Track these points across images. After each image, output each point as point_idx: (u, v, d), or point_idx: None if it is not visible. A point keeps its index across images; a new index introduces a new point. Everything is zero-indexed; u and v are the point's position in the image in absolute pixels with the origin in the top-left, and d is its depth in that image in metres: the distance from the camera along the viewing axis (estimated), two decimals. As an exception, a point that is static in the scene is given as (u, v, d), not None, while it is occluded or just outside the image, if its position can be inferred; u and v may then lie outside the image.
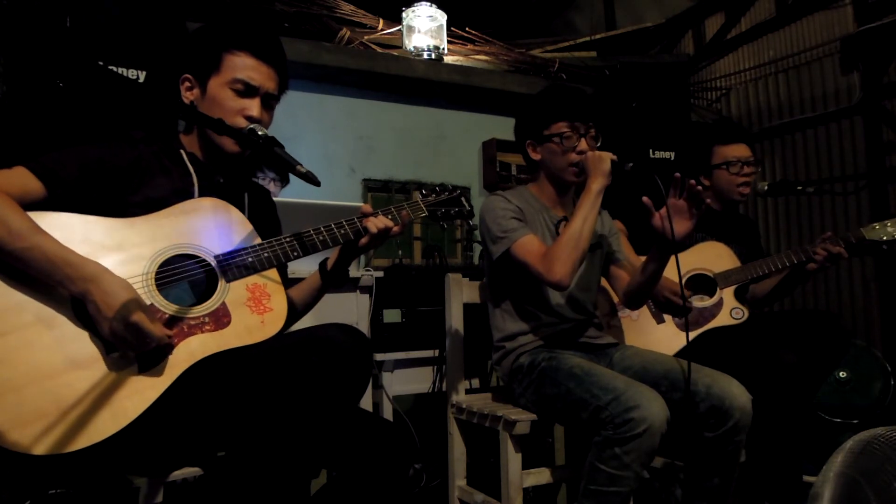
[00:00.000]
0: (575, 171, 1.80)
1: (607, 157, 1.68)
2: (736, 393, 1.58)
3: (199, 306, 1.18)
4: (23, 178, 1.14)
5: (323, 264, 1.44)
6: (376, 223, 1.32)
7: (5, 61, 1.94)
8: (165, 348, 1.11)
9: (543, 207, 1.89)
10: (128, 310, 1.06)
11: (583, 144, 1.78)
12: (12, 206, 1.09)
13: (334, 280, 1.44)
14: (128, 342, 1.07)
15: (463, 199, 1.51)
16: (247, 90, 1.32)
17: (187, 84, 1.35)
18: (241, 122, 1.30)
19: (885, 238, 2.03)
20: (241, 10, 3.07)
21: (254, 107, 1.32)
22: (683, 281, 2.12)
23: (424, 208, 1.44)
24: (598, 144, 1.81)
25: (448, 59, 3.62)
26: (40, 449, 0.99)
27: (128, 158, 1.26)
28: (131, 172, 1.25)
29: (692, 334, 2.04)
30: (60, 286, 1.09)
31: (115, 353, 1.09)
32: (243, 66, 1.32)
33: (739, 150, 2.27)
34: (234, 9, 3.02)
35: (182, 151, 1.35)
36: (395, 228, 1.35)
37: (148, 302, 1.14)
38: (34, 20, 1.95)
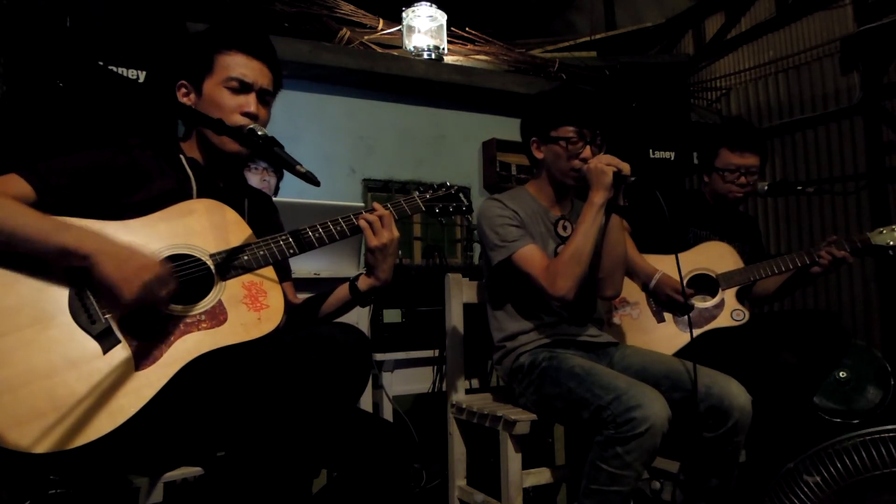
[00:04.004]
0: (575, 176, 1.79)
1: (609, 171, 1.65)
2: (735, 392, 1.58)
3: (195, 305, 1.18)
4: (14, 184, 1.15)
5: (354, 284, 1.43)
6: (367, 216, 1.33)
7: (5, 61, 1.95)
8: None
9: (541, 208, 1.89)
10: (141, 252, 1.11)
11: (587, 152, 1.77)
12: (5, 196, 1.11)
13: (366, 301, 1.46)
14: (157, 281, 1.10)
15: (461, 195, 1.51)
16: (241, 87, 1.32)
17: (183, 90, 1.36)
18: (240, 120, 1.30)
19: (891, 243, 2.02)
20: (241, 10, 3.07)
21: (250, 103, 1.32)
22: (686, 280, 2.12)
23: (421, 204, 1.45)
24: (602, 152, 1.80)
25: (448, 59, 3.63)
26: (37, 447, 0.99)
27: (121, 164, 1.26)
28: (125, 177, 1.26)
29: (692, 334, 2.04)
30: (62, 257, 1.09)
31: (112, 351, 1.09)
32: (235, 64, 1.32)
33: (743, 159, 2.22)
34: (233, 9, 3.03)
35: (181, 156, 1.35)
36: (385, 213, 1.35)
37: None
38: (34, 20, 1.95)
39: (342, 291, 1.44)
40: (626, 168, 1.66)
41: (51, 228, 1.10)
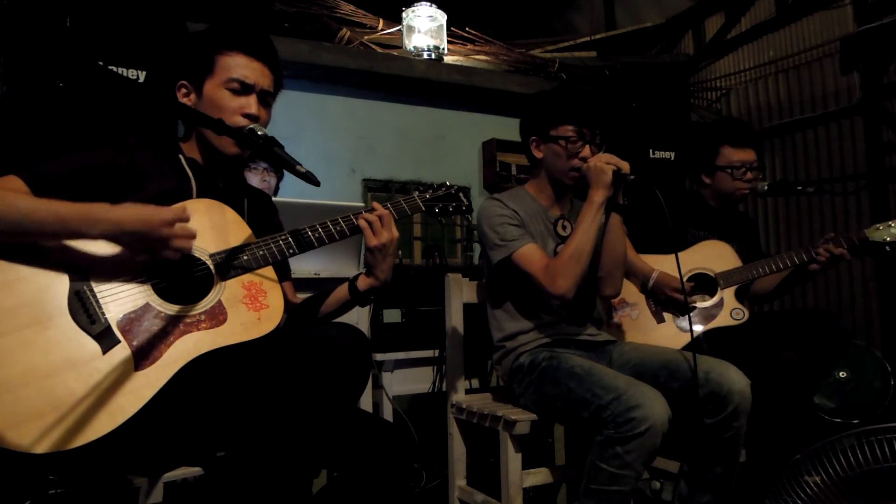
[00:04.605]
0: (575, 175, 1.79)
1: (609, 169, 1.66)
2: (734, 378, 1.59)
3: (195, 305, 1.18)
4: (12, 185, 1.15)
5: (354, 284, 1.43)
6: (366, 216, 1.33)
7: (5, 61, 1.95)
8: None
9: (541, 207, 1.89)
10: (160, 212, 1.12)
11: (586, 151, 1.78)
12: (8, 189, 1.12)
13: (365, 300, 1.46)
14: (181, 236, 1.12)
15: (461, 194, 1.52)
16: (242, 88, 1.32)
17: (184, 90, 1.36)
18: (241, 121, 1.30)
19: (888, 239, 2.03)
20: (241, 10, 3.07)
21: (251, 104, 1.32)
22: (685, 280, 2.12)
23: (421, 204, 1.45)
24: (601, 152, 1.80)
25: (448, 59, 3.62)
26: (37, 447, 0.99)
27: (121, 164, 1.26)
28: (125, 177, 1.26)
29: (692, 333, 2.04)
30: (78, 236, 1.10)
31: (111, 351, 1.09)
32: (236, 65, 1.32)
33: (746, 155, 2.25)
34: (233, 9, 3.03)
35: (181, 156, 1.36)
36: (385, 213, 1.35)
37: (144, 302, 1.14)
38: (34, 20, 1.95)
39: (342, 291, 1.44)
40: (625, 166, 1.66)
41: (57, 204, 1.09)
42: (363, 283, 1.41)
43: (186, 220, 1.15)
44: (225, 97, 1.31)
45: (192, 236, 1.16)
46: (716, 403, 1.58)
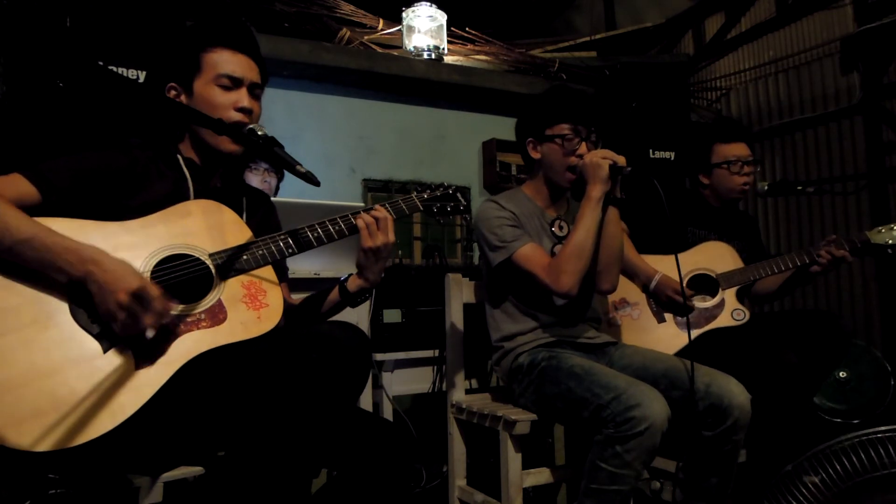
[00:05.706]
0: (571, 177, 1.80)
1: (605, 164, 1.66)
2: (735, 392, 1.59)
3: (195, 304, 1.18)
4: (18, 184, 1.15)
5: (343, 285, 1.43)
6: (365, 217, 1.34)
7: (5, 61, 1.95)
8: (165, 335, 1.12)
9: (537, 209, 1.89)
10: (130, 281, 1.07)
11: (583, 148, 1.78)
12: (8, 204, 1.11)
13: (354, 301, 1.45)
14: (133, 314, 1.06)
15: (458, 195, 1.53)
16: (232, 83, 1.33)
17: (174, 92, 1.37)
18: (236, 116, 1.31)
19: (890, 242, 2.03)
20: (241, 9, 3.07)
21: (243, 98, 1.33)
22: (686, 281, 2.12)
23: (419, 203, 1.46)
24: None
25: (448, 59, 3.62)
26: (38, 446, 0.99)
27: (122, 164, 1.27)
28: (126, 178, 1.26)
29: (693, 334, 2.04)
30: (60, 273, 1.09)
31: (112, 350, 1.09)
32: (223, 60, 1.33)
33: (739, 149, 2.26)
34: (233, 9, 3.02)
35: (179, 157, 1.36)
36: (383, 216, 1.35)
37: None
38: (34, 20, 1.95)
39: (333, 293, 1.44)
40: (621, 160, 1.67)
41: (48, 246, 1.09)
42: (353, 284, 1.41)
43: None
44: (216, 94, 1.32)
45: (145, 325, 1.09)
46: (715, 416, 1.58)
